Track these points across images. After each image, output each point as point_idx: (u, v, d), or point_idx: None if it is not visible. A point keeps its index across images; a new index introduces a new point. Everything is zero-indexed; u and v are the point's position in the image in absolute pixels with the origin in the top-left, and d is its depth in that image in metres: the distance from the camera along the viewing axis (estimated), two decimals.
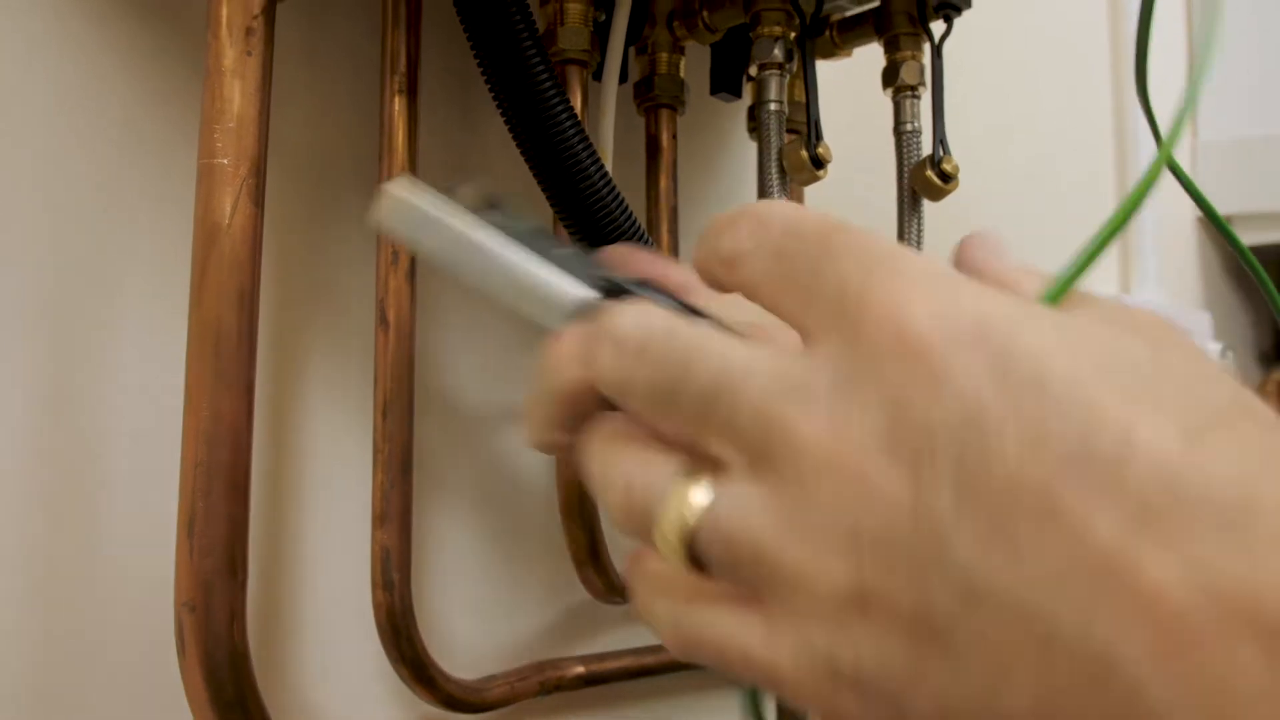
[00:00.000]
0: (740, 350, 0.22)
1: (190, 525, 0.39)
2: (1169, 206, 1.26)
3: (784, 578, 0.20)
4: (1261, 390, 1.41)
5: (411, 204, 0.28)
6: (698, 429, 0.22)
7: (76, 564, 0.44)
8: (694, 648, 0.23)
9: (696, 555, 0.22)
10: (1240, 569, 0.16)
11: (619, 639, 0.63)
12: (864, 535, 0.19)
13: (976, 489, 0.18)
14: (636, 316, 0.24)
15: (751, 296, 0.24)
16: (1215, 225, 0.50)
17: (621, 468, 0.24)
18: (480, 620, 0.57)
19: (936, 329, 0.19)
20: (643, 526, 0.23)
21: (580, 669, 0.59)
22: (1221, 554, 0.16)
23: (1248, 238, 1.27)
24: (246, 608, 0.40)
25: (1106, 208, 1.19)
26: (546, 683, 0.57)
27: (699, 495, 0.22)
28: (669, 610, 0.24)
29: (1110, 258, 1.19)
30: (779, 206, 0.24)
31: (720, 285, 0.25)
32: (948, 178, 0.56)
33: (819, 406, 0.20)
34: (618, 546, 0.57)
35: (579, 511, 0.56)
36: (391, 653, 0.49)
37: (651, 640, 0.63)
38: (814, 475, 0.20)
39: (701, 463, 0.23)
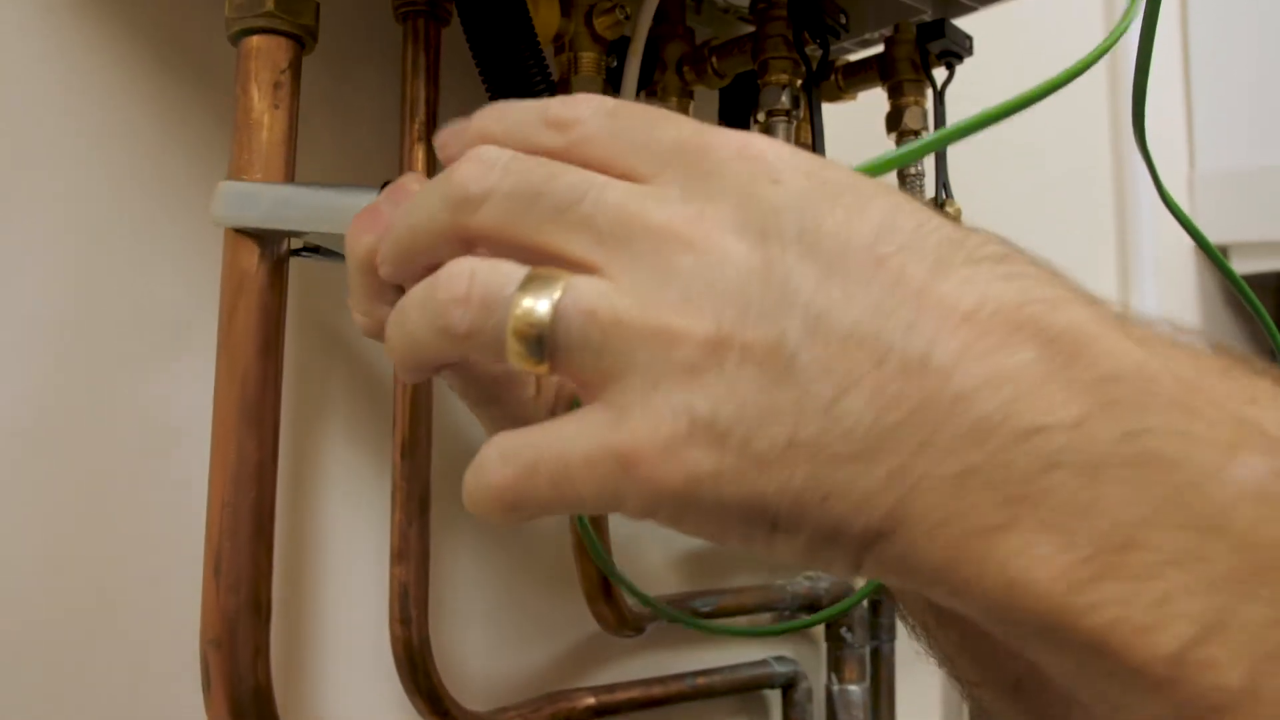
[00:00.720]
0: (598, 174, 0.24)
1: (217, 564, 0.40)
2: (1168, 235, 1.27)
3: (644, 341, 0.21)
4: None
5: (236, 187, 0.40)
6: (554, 227, 0.23)
7: (102, 601, 0.45)
8: (529, 474, 0.23)
9: (548, 340, 0.22)
10: (1019, 295, 0.21)
11: (629, 670, 0.64)
12: (720, 291, 0.21)
13: (815, 249, 0.22)
14: (499, 148, 0.25)
15: (582, 150, 0.24)
16: (1208, 254, 0.52)
17: (463, 263, 0.24)
18: (494, 653, 0.58)
19: (770, 147, 0.23)
20: (482, 315, 0.23)
21: (591, 700, 0.60)
22: (1003, 286, 0.21)
23: (1246, 267, 1.28)
24: (270, 644, 0.41)
25: (1108, 250, 1.20)
26: (558, 713, 0.58)
27: (556, 279, 0.23)
28: (496, 450, 0.23)
29: (1110, 286, 1.20)
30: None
31: (539, 146, 0.25)
32: None
33: (674, 205, 0.23)
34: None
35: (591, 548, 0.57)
36: (408, 685, 0.50)
37: (661, 671, 0.64)
38: (671, 252, 0.22)
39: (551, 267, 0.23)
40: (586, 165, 0.24)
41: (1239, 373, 0.21)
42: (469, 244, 0.25)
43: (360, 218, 0.29)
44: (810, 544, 0.21)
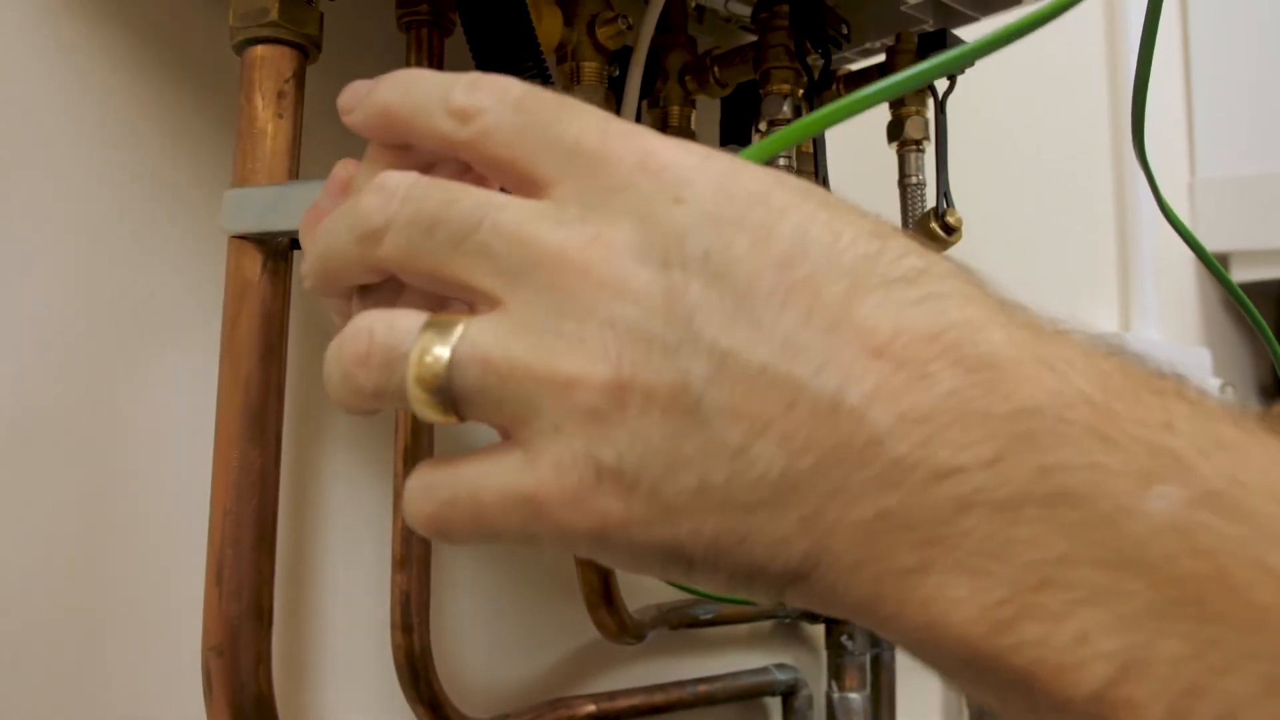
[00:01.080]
0: (496, 194, 0.23)
1: (219, 572, 0.40)
2: (1168, 243, 1.27)
3: (542, 387, 0.21)
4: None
5: (240, 193, 0.40)
6: (455, 256, 0.23)
7: (102, 604, 0.45)
8: (448, 509, 0.23)
9: (449, 391, 0.22)
10: (934, 322, 0.20)
11: (629, 678, 0.64)
12: (619, 330, 0.21)
13: (722, 277, 0.21)
14: (401, 174, 0.24)
15: (483, 146, 0.24)
16: (1204, 262, 0.52)
17: (363, 319, 0.23)
18: (495, 661, 0.58)
19: (675, 153, 0.22)
20: (384, 375, 0.23)
21: (591, 707, 0.60)
22: (918, 312, 0.20)
23: (1247, 274, 1.28)
24: (272, 651, 0.41)
25: (1109, 257, 1.20)
26: None
27: (453, 327, 0.22)
28: (420, 483, 0.23)
29: (1110, 295, 1.20)
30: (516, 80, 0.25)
31: (440, 134, 0.24)
32: (951, 230, 0.58)
33: (571, 226, 0.22)
34: (629, 588, 0.58)
35: None
36: (409, 693, 0.50)
37: (661, 679, 0.64)
38: (568, 283, 0.21)
39: (449, 312, 0.23)
40: (489, 163, 0.24)
41: (1156, 393, 0.21)
42: (382, 273, 0.25)
43: (306, 218, 0.28)
44: (730, 581, 0.21)
